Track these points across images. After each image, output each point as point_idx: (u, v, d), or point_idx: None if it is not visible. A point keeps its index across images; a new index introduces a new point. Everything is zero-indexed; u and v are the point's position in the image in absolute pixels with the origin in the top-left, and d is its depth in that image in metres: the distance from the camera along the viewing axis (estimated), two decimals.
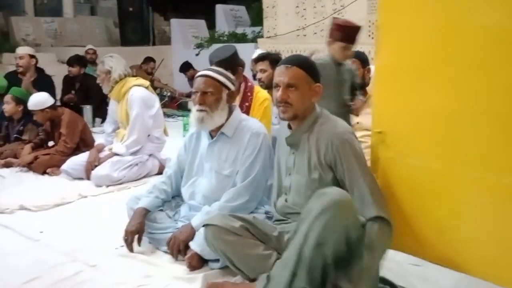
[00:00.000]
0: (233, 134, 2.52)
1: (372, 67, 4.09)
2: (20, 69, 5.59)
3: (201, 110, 2.44)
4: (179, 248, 2.43)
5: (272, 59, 4.23)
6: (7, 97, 4.64)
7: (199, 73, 2.51)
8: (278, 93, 2.06)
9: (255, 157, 2.46)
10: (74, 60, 6.58)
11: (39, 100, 4.35)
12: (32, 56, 5.70)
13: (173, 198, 2.76)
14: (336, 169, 2.01)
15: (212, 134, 2.57)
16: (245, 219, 2.17)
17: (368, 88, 3.43)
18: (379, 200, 1.92)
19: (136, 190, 3.56)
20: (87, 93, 6.30)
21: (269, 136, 3.27)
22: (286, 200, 2.19)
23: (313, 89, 2.08)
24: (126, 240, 2.55)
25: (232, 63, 3.13)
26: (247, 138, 2.49)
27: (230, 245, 2.10)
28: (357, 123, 3.42)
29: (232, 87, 2.53)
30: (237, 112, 2.59)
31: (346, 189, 1.94)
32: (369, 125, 3.24)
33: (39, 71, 5.81)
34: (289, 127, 2.17)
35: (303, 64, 2.08)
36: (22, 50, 5.79)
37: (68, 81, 6.67)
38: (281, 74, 2.06)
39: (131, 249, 2.55)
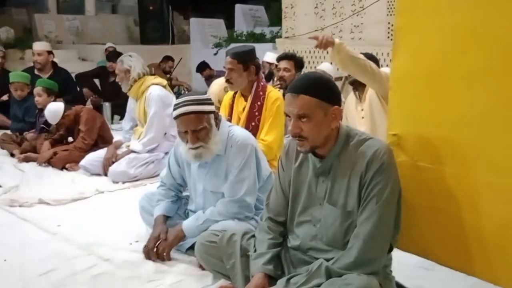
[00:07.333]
0: (225, 151, 2.43)
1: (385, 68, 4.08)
2: (39, 66, 5.65)
3: (196, 148, 2.33)
4: (163, 252, 2.42)
5: (298, 61, 4.24)
6: (38, 89, 4.68)
7: (180, 112, 2.31)
8: (289, 126, 1.81)
9: (242, 170, 2.40)
10: (114, 55, 6.66)
11: (53, 112, 4.42)
12: (49, 52, 5.76)
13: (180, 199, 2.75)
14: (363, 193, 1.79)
15: None
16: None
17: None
18: (373, 248, 1.76)
19: (150, 187, 3.60)
20: (118, 88, 6.39)
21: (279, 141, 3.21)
22: (316, 235, 1.92)
23: (330, 114, 1.79)
24: (146, 248, 2.47)
25: (245, 58, 3.16)
26: (233, 151, 2.42)
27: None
28: None
29: (213, 108, 2.39)
30: (224, 126, 2.47)
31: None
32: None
33: (53, 65, 5.87)
34: (313, 153, 1.89)
35: (313, 89, 1.77)
36: (40, 46, 5.77)
37: (104, 74, 6.79)
38: (289, 104, 1.79)
39: (148, 257, 2.46)
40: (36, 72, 5.66)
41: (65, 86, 5.65)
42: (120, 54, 6.85)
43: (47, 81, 4.87)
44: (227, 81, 3.21)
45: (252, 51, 3.23)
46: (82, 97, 6.34)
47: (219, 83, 4.73)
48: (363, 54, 3.76)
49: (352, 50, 3.00)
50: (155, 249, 2.45)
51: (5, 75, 5.85)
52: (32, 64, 5.94)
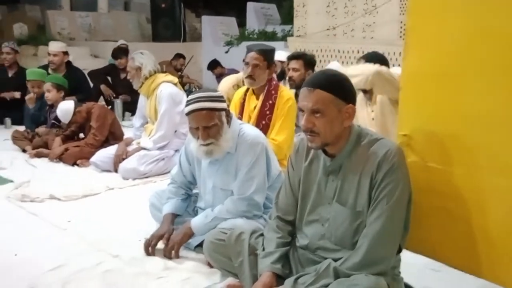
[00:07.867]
0: (235, 148, 2.44)
1: (395, 68, 4.04)
2: (54, 66, 5.78)
3: (207, 144, 2.34)
4: (172, 249, 2.44)
5: (307, 59, 4.24)
6: (47, 85, 4.74)
7: (192, 108, 2.32)
8: (302, 120, 1.80)
9: (251, 168, 2.40)
10: (119, 52, 6.69)
11: (65, 112, 4.47)
12: (65, 53, 5.89)
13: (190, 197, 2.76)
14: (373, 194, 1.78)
15: None
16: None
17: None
18: (382, 249, 1.76)
19: (160, 185, 3.62)
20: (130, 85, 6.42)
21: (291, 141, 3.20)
22: (324, 234, 1.91)
23: (344, 112, 1.79)
24: (147, 242, 2.50)
25: (270, 56, 3.24)
26: (244, 149, 2.42)
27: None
28: None
29: (225, 105, 2.41)
30: (235, 124, 2.48)
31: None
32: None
33: (67, 64, 5.97)
34: (324, 151, 1.89)
35: (329, 85, 1.77)
36: (56, 47, 5.89)
37: (115, 71, 6.81)
38: (304, 98, 1.78)
39: (148, 252, 2.49)
40: (50, 71, 5.76)
41: (78, 86, 5.71)
42: (125, 50, 6.91)
43: (55, 77, 4.93)
44: (250, 77, 3.19)
45: (274, 51, 3.30)
46: (95, 96, 6.38)
47: (228, 81, 4.74)
48: (369, 53, 3.71)
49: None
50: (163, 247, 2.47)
51: (20, 72, 5.93)
52: (46, 62, 6.05)
